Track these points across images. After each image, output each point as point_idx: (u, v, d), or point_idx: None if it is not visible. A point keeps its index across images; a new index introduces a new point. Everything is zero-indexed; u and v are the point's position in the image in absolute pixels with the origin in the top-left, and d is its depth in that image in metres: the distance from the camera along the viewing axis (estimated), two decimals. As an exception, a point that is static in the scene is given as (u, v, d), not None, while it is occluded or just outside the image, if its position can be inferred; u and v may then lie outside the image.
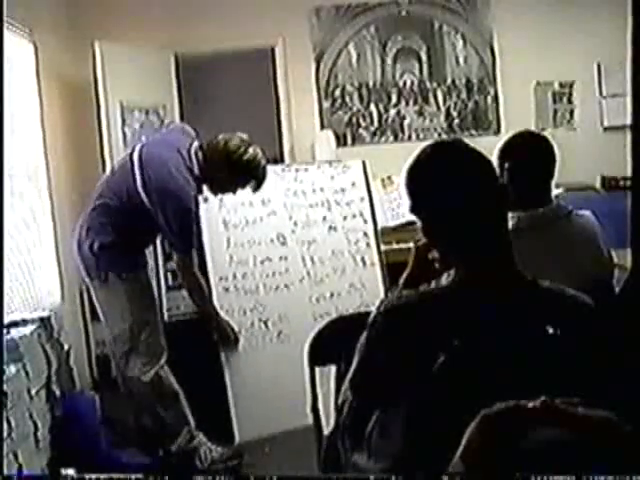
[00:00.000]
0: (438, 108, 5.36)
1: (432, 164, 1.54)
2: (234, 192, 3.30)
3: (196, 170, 3.17)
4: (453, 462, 0.96)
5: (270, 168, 4.03)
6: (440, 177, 1.51)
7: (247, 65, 5.71)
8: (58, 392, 3.06)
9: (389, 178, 4.76)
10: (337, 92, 5.29)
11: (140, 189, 3.09)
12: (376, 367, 1.50)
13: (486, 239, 1.49)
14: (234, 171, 3.15)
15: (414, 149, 1.57)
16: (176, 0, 5.02)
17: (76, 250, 3.24)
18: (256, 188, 3.25)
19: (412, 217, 1.58)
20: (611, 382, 1.38)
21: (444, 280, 1.51)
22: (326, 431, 2.02)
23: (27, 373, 2.74)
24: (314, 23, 5.22)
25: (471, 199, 1.48)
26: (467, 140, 1.59)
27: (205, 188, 3.31)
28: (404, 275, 1.76)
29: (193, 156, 3.18)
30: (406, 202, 1.58)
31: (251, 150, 3.15)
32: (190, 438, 3.26)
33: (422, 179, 1.54)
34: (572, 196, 3.90)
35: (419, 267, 1.73)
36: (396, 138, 5.33)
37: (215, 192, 3.35)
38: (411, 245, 1.77)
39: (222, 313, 3.47)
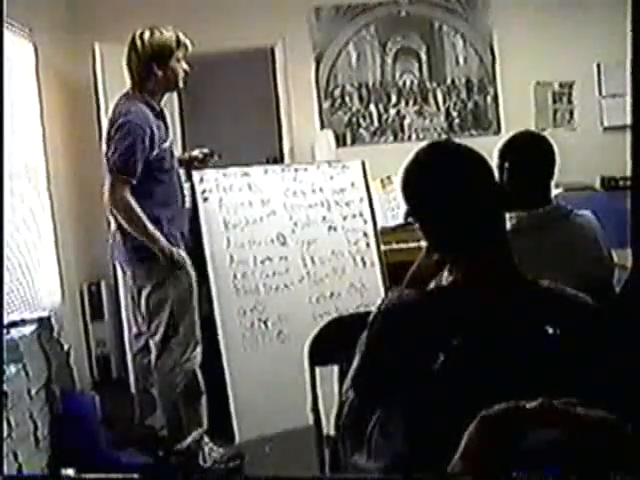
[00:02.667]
0: (438, 108, 5.35)
1: (426, 166, 1.54)
2: (182, 79, 3.21)
3: (153, 103, 3.16)
4: (453, 462, 0.96)
5: (270, 168, 4.06)
6: (435, 178, 1.51)
7: (247, 65, 5.71)
8: (58, 392, 3.06)
9: (389, 178, 4.75)
10: (337, 92, 5.29)
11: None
12: (377, 366, 1.51)
13: (484, 239, 1.49)
14: (159, 54, 3.12)
15: (414, 149, 1.57)
16: (176, 0, 5.02)
17: (119, 237, 3.17)
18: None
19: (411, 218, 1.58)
20: (611, 382, 1.38)
21: (444, 280, 1.51)
22: (326, 431, 2.02)
23: (27, 373, 2.74)
24: (314, 23, 5.22)
25: (467, 199, 1.48)
26: (467, 140, 1.59)
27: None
28: (409, 273, 1.76)
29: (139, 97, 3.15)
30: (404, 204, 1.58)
31: (157, 31, 3.15)
32: (198, 440, 3.25)
33: (417, 181, 1.54)
34: (572, 196, 3.90)
35: (425, 266, 1.72)
36: (396, 138, 5.32)
37: (171, 86, 3.26)
38: (412, 245, 1.78)
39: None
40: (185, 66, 3.22)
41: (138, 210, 3.03)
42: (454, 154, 1.54)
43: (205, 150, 3.64)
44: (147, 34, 3.15)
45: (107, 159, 3.06)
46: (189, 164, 3.63)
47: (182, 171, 3.51)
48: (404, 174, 1.55)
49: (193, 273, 3.25)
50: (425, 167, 1.54)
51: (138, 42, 3.14)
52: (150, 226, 3.05)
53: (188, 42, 3.23)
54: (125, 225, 3.08)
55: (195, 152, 3.66)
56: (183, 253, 3.18)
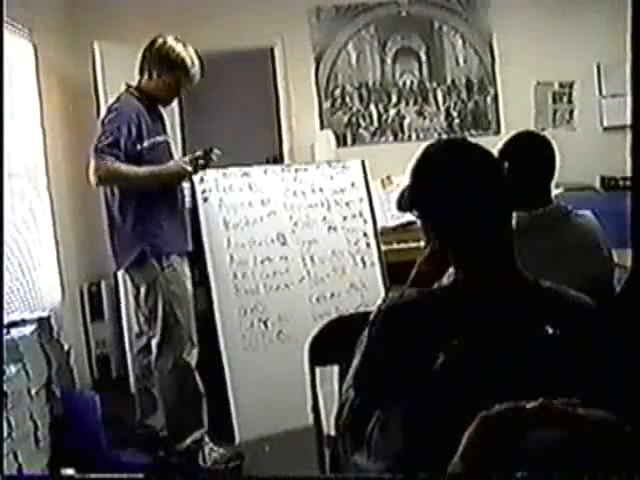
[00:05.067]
0: (438, 108, 5.36)
1: (439, 162, 1.52)
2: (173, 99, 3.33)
3: (150, 99, 3.22)
4: (453, 462, 0.96)
5: (270, 168, 4.06)
6: (445, 176, 1.49)
7: (247, 65, 5.71)
8: (58, 392, 3.06)
9: (389, 178, 4.76)
10: (337, 92, 5.29)
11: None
12: (377, 366, 1.50)
13: (488, 239, 1.48)
14: (167, 62, 3.19)
15: (414, 149, 1.56)
16: (176, 0, 5.02)
17: (116, 236, 3.20)
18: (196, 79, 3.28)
19: (412, 217, 1.58)
20: (611, 382, 1.38)
21: (445, 280, 1.51)
22: (326, 431, 2.02)
23: (27, 373, 2.74)
24: (314, 23, 5.22)
25: (480, 198, 1.47)
26: (466, 140, 1.58)
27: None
28: (412, 273, 1.74)
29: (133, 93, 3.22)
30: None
31: (180, 45, 3.22)
32: (199, 441, 3.25)
33: (426, 178, 1.53)
34: (572, 196, 3.90)
35: (425, 272, 1.71)
36: (396, 138, 5.32)
37: (165, 99, 3.32)
38: (412, 245, 1.77)
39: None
40: (187, 88, 3.28)
41: (124, 167, 3.03)
42: (466, 151, 1.53)
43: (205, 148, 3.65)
44: (161, 41, 3.20)
45: (96, 143, 3.08)
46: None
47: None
48: (413, 170, 1.53)
49: (188, 273, 3.26)
50: (435, 163, 1.52)
51: (153, 44, 3.20)
52: (142, 169, 3.09)
53: (197, 74, 3.25)
54: (125, 186, 3.11)
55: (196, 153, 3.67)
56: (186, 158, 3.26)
